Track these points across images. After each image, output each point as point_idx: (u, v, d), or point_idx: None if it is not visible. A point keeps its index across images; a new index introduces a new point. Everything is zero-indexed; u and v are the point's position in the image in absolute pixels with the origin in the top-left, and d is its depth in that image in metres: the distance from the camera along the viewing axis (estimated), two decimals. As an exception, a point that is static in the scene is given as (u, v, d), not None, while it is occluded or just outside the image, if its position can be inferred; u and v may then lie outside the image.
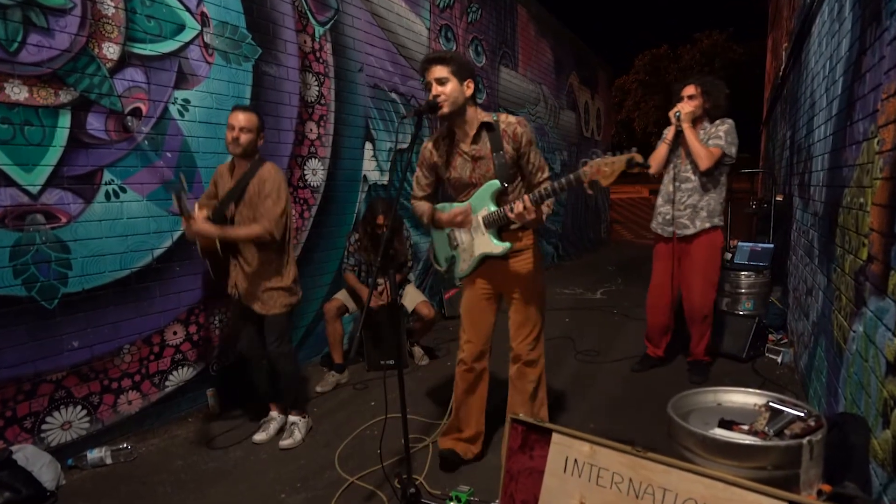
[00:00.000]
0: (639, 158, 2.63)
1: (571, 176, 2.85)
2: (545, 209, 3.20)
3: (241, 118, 3.83)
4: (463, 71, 3.16)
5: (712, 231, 4.85)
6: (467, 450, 3.70)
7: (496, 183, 3.24)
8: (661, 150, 4.91)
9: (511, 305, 3.52)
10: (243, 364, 4.33)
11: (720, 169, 4.79)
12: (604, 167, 2.71)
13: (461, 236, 3.46)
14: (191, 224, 3.73)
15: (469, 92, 3.20)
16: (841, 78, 3.72)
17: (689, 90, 4.83)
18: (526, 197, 3.01)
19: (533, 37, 11.18)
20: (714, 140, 4.71)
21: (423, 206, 3.59)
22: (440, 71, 3.11)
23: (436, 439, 3.95)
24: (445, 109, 3.14)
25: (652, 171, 4.97)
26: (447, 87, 3.12)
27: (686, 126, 4.74)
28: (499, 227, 3.29)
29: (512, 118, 3.29)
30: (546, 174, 3.36)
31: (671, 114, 4.85)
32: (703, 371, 5.05)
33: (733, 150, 4.70)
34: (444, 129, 3.41)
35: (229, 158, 4.03)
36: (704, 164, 4.65)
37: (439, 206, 3.56)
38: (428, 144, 3.51)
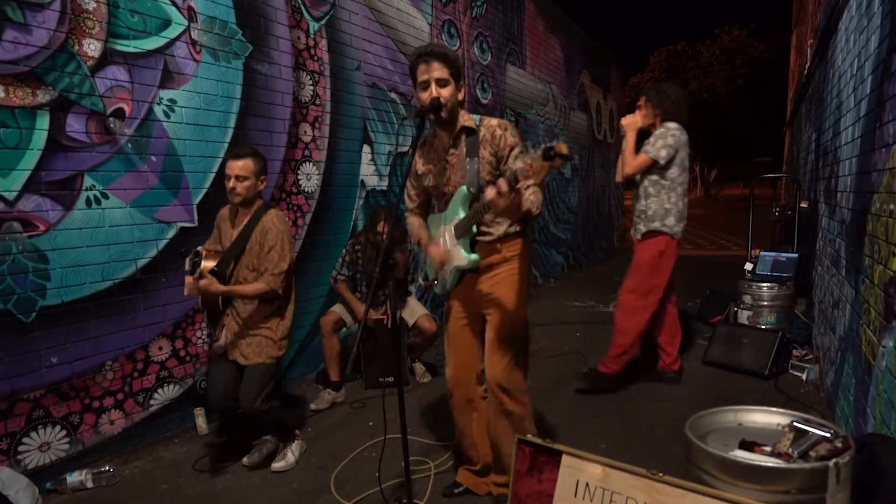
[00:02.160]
0: (561, 149, 2.43)
1: (510, 173, 2.66)
2: (531, 195, 2.99)
3: (236, 166, 3.83)
4: (459, 74, 3.14)
5: (651, 235, 5.16)
6: (479, 484, 3.62)
7: (464, 189, 3.18)
8: (619, 159, 5.35)
9: (487, 325, 3.39)
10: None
11: (661, 173, 5.07)
12: (534, 163, 2.51)
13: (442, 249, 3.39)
14: (199, 284, 3.69)
15: (462, 97, 3.18)
16: (870, 77, 3.72)
17: (639, 101, 5.33)
18: (501, 180, 2.73)
19: (541, 33, 11.21)
20: (644, 147, 5.10)
21: (413, 226, 3.58)
22: (441, 70, 3.04)
23: (439, 462, 3.96)
24: (445, 115, 3.10)
25: (617, 179, 5.45)
26: (446, 91, 3.07)
27: (627, 135, 5.18)
28: (470, 236, 3.22)
29: (493, 121, 3.23)
30: (531, 182, 3.12)
31: (618, 126, 5.26)
32: (670, 378, 5.47)
33: (662, 154, 4.97)
34: (430, 134, 3.38)
35: (204, 170, 4.02)
36: (624, 171, 5.19)
37: (430, 218, 3.55)
38: (416, 152, 3.46)
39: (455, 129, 3.22)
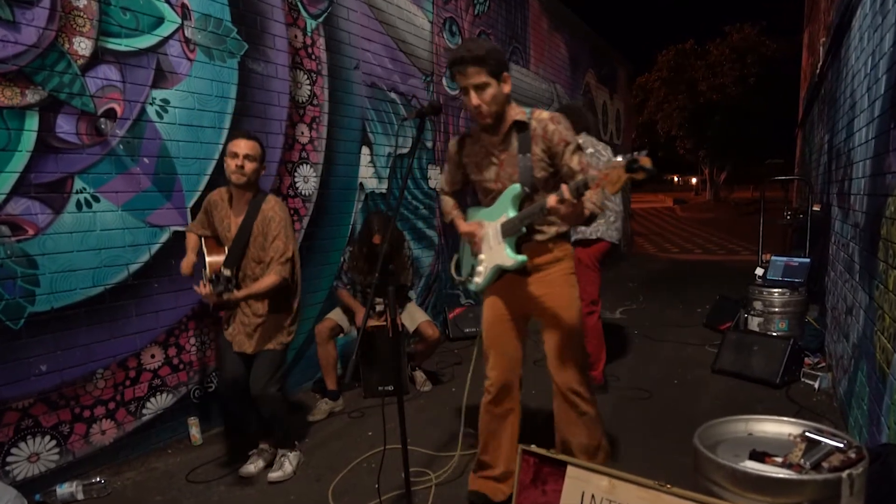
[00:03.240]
0: (645, 163, 2.36)
1: (580, 181, 2.66)
2: (592, 196, 2.90)
3: (244, 145, 3.84)
4: (500, 67, 3.05)
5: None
6: (497, 490, 3.57)
7: (517, 187, 3.16)
8: None
9: (543, 330, 3.40)
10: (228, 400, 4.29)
11: None
12: (611, 173, 2.47)
13: (483, 245, 3.39)
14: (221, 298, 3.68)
15: (507, 89, 3.12)
16: (884, 76, 3.72)
17: None
18: (564, 186, 2.73)
19: (546, 31, 11.23)
20: None
21: (447, 205, 3.67)
22: (478, 75, 3.00)
23: (440, 473, 3.96)
24: (489, 121, 3.12)
25: None
26: (487, 94, 3.04)
27: None
28: (518, 236, 3.19)
29: (545, 114, 3.18)
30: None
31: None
32: None
33: None
34: (476, 126, 3.34)
35: (198, 173, 4.01)
36: None
37: (470, 210, 3.55)
38: (453, 141, 3.49)
39: (504, 126, 3.20)
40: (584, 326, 5.37)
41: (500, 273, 3.32)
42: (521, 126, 3.17)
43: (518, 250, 3.21)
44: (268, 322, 4.01)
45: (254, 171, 3.88)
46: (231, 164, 3.82)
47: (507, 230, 3.18)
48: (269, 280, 3.84)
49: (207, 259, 3.96)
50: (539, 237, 3.26)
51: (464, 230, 3.41)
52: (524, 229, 3.16)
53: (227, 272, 3.65)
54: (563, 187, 2.69)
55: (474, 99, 3.04)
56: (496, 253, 3.26)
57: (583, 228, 5.16)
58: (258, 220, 3.91)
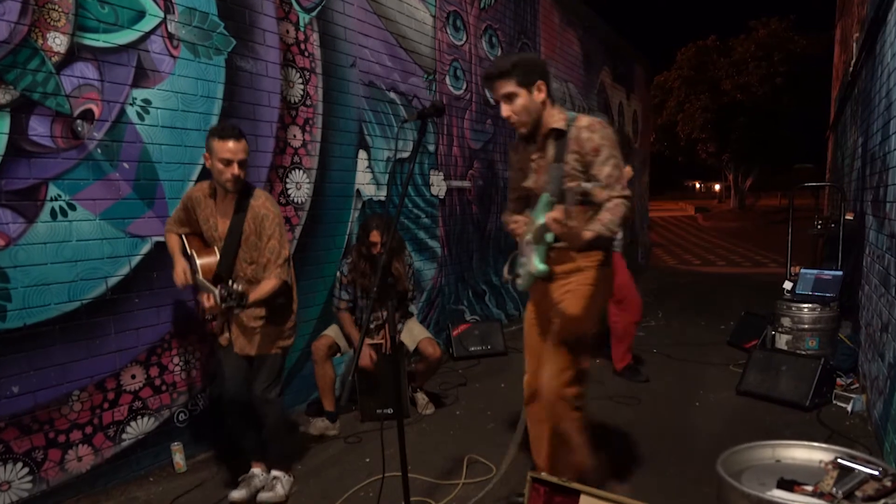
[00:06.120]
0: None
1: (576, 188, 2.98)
2: (599, 225, 3.19)
3: (238, 149, 3.80)
4: (530, 75, 3.24)
5: None
6: None
7: (546, 196, 3.29)
8: None
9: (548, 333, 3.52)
10: (221, 415, 4.30)
11: None
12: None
13: (526, 249, 3.54)
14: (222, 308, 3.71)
15: (541, 96, 3.28)
16: (921, 74, 3.73)
17: None
18: (558, 206, 3.05)
19: (557, 26, 11.25)
20: None
21: (505, 216, 3.82)
22: (504, 86, 3.23)
23: (444, 503, 3.94)
24: (524, 130, 3.33)
25: None
26: (517, 104, 3.24)
27: None
28: (545, 244, 3.32)
29: (584, 120, 3.31)
30: (615, 192, 3.23)
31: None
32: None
33: None
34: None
35: (182, 179, 4.00)
36: None
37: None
38: (510, 146, 3.71)
39: (540, 133, 3.37)
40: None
41: (534, 278, 3.46)
42: (559, 133, 3.31)
43: (546, 257, 3.35)
44: (268, 326, 4.05)
45: (245, 172, 3.90)
46: (226, 172, 3.79)
47: (535, 238, 3.34)
48: (269, 285, 3.89)
49: (198, 262, 3.96)
50: (562, 245, 3.35)
51: (507, 228, 3.67)
52: (549, 237, 3.28)
53: (239, 287, 3.60)
54: (556, 207, 2.99)
55: (505, 110, 3.28)
56: (528, 259, 3.42)
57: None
58: (249, 217, 3.92)
